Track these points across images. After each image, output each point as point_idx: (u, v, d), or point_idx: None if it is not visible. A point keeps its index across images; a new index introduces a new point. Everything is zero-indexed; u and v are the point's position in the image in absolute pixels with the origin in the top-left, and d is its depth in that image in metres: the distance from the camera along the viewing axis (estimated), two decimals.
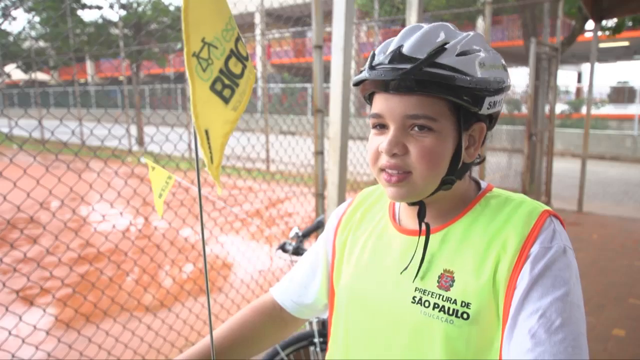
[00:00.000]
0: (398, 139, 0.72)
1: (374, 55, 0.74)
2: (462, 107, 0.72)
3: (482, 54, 0.72)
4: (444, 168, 0.74)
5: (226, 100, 0.62)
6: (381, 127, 0.75)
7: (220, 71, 0.61)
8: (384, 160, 0.74)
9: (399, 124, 0.72)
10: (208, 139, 0.59)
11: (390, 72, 0.70)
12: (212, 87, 0.60)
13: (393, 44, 0.73)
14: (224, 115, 0.62)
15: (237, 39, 0.64)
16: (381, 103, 0.74)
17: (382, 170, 0.75)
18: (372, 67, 0.72)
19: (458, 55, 0.70)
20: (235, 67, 0.63)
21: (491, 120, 0.78)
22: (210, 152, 0.60)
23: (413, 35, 0.72)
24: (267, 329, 0.95)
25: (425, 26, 0.73)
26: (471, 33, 0.74)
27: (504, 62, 0.76)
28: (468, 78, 0.69)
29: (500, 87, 0.73)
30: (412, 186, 0.74)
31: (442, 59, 0.69)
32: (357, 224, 0.91)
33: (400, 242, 0.82)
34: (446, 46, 0.70)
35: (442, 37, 0.71)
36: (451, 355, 0.72)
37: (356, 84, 0.76)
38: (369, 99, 0.78)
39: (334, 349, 0.90)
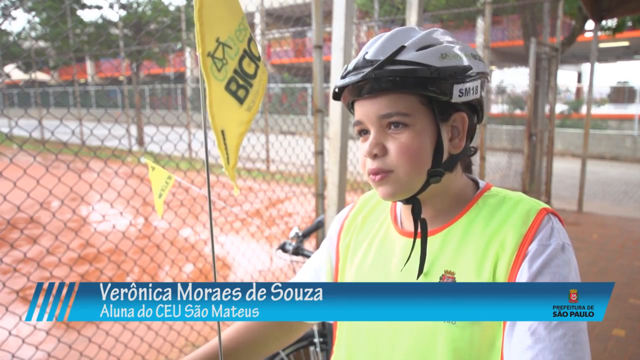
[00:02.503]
0: (377, 141, 0.75)
1: (347, 67, 0.77)
2: (434, 99, 0.73)
3: (444, 46, 0.73)
4: (425, 161, 0.74)
5: (241, 101, 0.62)
6: (365, 133, 0.78)
7: (235, 71, 0.61)
8: (369, 164, 0.76)
9: (376, 126, 0.75)
10: (224, 139, 0.59)
11: (354, 76, 0.73)
12: (227, 87, 0.60)
13: (361, 52, 0.76)
14: (238, 116, 0.61)
15: (250, 39, 0.64)
16: (359, 110, 0.77)
17: (369, 174, 0.77)
18: (342, 77, 0.76)
19: (418, 50, 0.72)
20: (248, 67, 0.63)
21: (474, 109, 0.79)
22: (227, 153, 0.59)
23: (377, 42, 0.75)
24: (273, 333, 0.95)
25: (394, 31, 0.76)
26: (436, 29, 0.76)
27: (475, 53, 0.77)
28: (429, 69, 0.70)
29: (469, 74, 0.73)
30: (396, 183, 0.75)
31: (402, 56, 0.71)
32: (360, 227, 0.92)
33: (402, 245, 0.82)
34: (405, 44, 0.72)
35: (404, 38, 0.74)
36: (454, 356, 0.72)
37: (335, 97, 0.80)
38: (352, 108, 0.80)
39: (338, 352, 0.91)
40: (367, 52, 0.74)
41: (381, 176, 0.75)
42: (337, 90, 0.78)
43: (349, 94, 0.77)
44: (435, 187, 0.78)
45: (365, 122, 0.76)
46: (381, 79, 0.71)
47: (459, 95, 0.73)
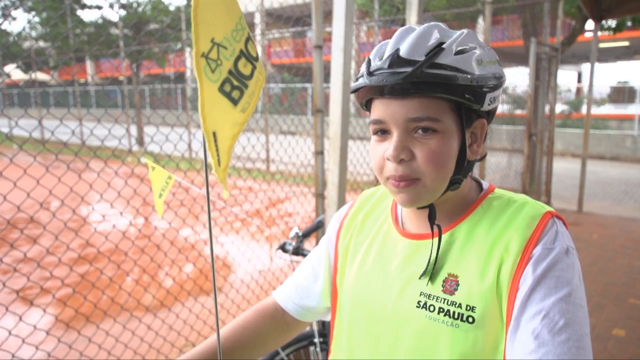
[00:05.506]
0: (403, 144, 0.71)
1: (369, 61, 0.73)
2: (463, 105, 0.71)
3: (478, 51, 0.72)
4: (451, 168, 0.73)
5: (235, 102, 0.61)
6: (383, 132, 0.74)
7: (229, 72, 0.60)
8: (391, 169, 0.73)
9: (402, 128, 0.71)
10: (215, 141, 0.58)
11: (391, 76, 0.68)
12: (221, 89, 0.59)
13: (389, 48, 0.72)
14: (232, 117, 0.60)
15: (247, 39, 0.62)
16: (381, 109, 0.72)
17: (389, 178, 0.74)
18: (370, 73, 0.71)
19: (456, 54, 0.70)
20: (244, 68, 0.62)
21: (490, 115, 0.78)
22: (218, 155, 0.59)
23: (408, 38, 0.71)
24: (270, 332, 0.95)
25: (418, 27, 0.73)
26: (465, 31, 0.74)
27: (497, 58, 0.76)
28: (469, 76, 0.69)
29: (498, 83, 0.73)
30: (422, 191, 0.73)
31: (442, 59, 0.68)
32: (360, 227, 0.91)
33: (404, 247, 0.82)
34: (443, 46, 0.69)
35: (436, 37, 0.71)
36: (458, 359, 0.72)
37: (354, 91, 0.75)
38: (366, 105, 0.77)
39: (337, 353, 0.90)
40: (398, 49, 0.70)
41: (407, 183, 0.72)
42: (366, 85, 0.72)
43: (370, 92, 0.72)
44: (449, 192, 0.77)
45: (388, 122, 0.72)
46: (420, 82, 0.67)
47: (489, 104, 0.72)
